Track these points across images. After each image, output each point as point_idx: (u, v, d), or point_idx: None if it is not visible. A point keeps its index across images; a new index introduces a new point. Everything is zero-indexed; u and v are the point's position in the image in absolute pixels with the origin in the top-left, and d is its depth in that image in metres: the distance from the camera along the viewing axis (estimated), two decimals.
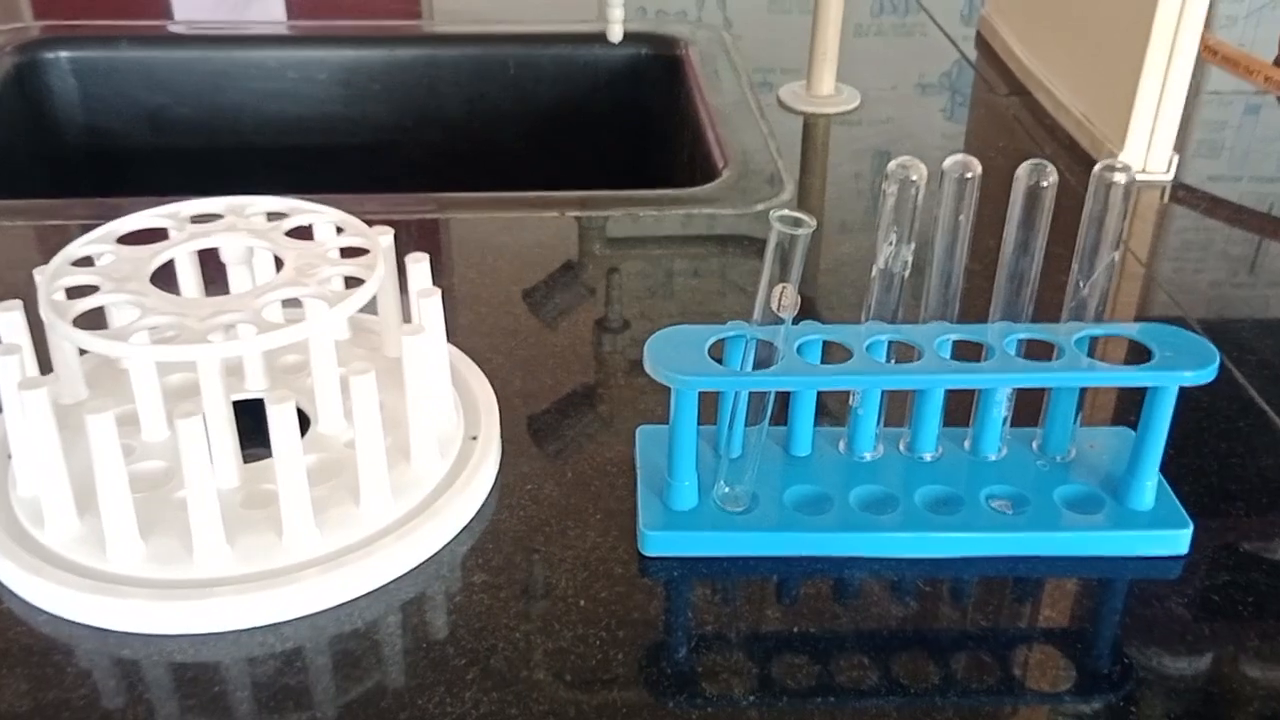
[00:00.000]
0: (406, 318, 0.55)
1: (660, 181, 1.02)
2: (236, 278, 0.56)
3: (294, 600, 0.47)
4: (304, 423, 0.56)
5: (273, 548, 0.48)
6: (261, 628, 0.47)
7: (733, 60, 1.01)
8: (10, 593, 0.48)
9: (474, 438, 0.55)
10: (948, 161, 0.49)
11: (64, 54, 1.05)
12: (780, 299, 0.47)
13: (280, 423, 0.46)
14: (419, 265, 0.54)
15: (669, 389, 0.48)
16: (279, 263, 0.51)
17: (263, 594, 0.47)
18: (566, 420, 0.59)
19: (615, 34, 0.88)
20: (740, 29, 1.08)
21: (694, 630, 0.47)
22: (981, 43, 1.06)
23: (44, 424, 0.46)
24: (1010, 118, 0.93)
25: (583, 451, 0.56)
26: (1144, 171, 0.82)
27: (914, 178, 0.48)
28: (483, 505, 0.53)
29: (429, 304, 0.52)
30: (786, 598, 0.49)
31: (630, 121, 1.09)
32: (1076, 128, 0.87)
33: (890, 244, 0.49)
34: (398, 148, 1.11)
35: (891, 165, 0.48)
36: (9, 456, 0.53)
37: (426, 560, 0.50)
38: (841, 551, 0.50)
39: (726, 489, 0.51)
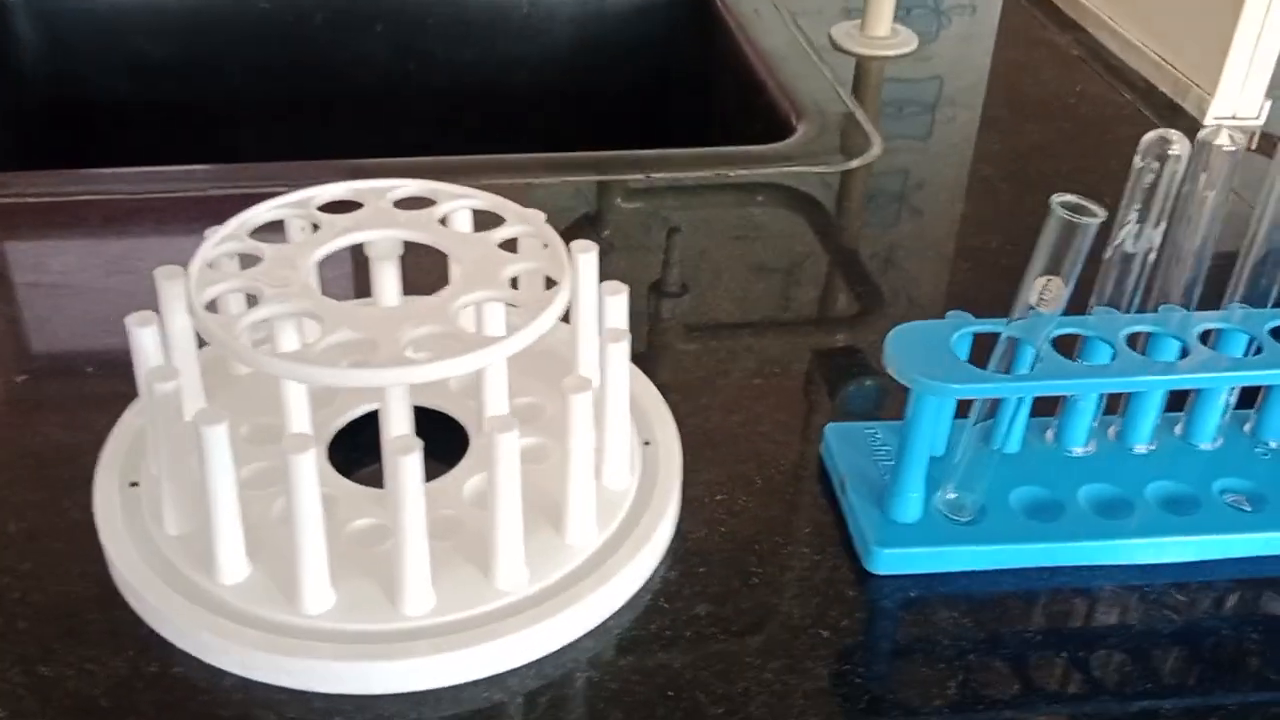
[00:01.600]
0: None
1: (700, 134, 0.96)
2: (382, 277, 0.49)
3: (515, 647, 0.42)
4: (458, 434, 0.50)
5: (479, 588, 0.43)
6: (483, 680, 0.41)
7: None
8: (183, 654, 0.42)
9: (646, 443, 0.50)
10: (1203, 133, 0.45)
11: None
12: (1043, 292, 0.42)
13: (504, 452, 0.40)
14: (588, 256, 0.48)
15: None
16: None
17: (480, 642, 0.41)
18: (731, 416, 0.54)
19: None
20: None
21: (956, 660, 0.43)
22: None
23: (224, 461, 0.40)
24: (1074, 59, 0.89)
25: (763, 453, 0.52)
26: (1234, 118, 0.79)
27: (1174, 152, 0.44)
28: (681, 522, 0.48)
29: (617, 348, 0.45)
30: (1040, 615, 0.45)
31: (654, 65, 1.03)
32: (1154, 70, 0.84)
33: (1132, 223, 0.45)
34: (399, 95, 1.03)
35: (1149, 138, 0.44)
36: (131, 485, 0.46)
37: (640, 590, 0.45)
38: (1082, 561, 0.47)
39: (952, 496, 0.47)
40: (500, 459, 0.40)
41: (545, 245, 0.46)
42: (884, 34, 0.89)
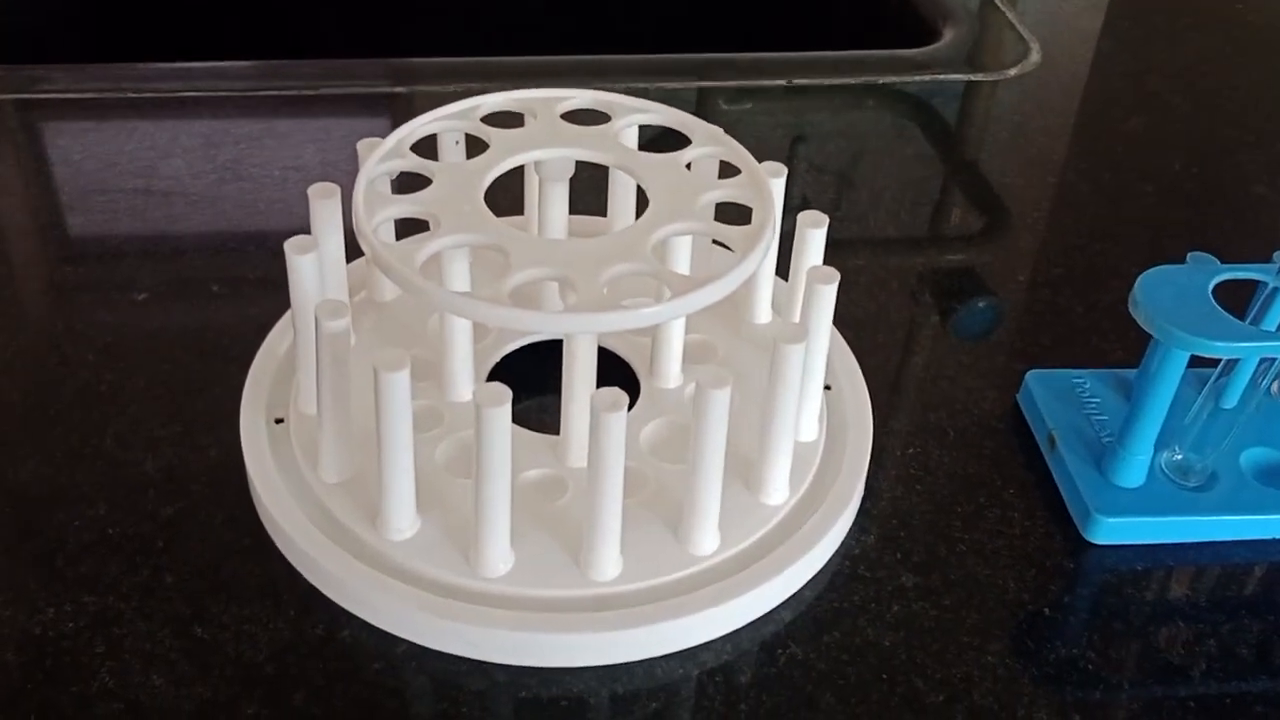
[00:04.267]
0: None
1: (806, 36, 0.90)
2: (551, 201, 0.44)
3: (710, 619, 0.38)
4: (629, 375, 0.46)
5: (669, 552, 0.39)
6: (676, 654, 0.38)
7: None
8: (349, 615, 0.38)
9: (827, 387, 0.46)
10: None
11: None
12: None
13: (716, 410, 0.36)
14: (778, 181, 0.43)
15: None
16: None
17: (674, 614, 0.37)
18: (911, 358, 0.49)
19: None
20: None
21: (1197, 646, 0.39)
22: None
23: (404, 410, 0.36)
24: None
25: (954, 401, 0.47)
26: None
27: None
28: (868, 477, 0.43)
29: (825, 290, 0.40)
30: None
31: None
32: None
33: None
34: None
35: None
36: (277, 421, 0.43)
37: (835, 554, 0.41)
38: None
39: (1179, 458, 0.43)
40: (710, 418, 0.36)
41: (734, 168, 0.41)
42: None
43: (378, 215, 0.38)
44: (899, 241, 0.56)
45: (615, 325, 0.35)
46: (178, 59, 0.64)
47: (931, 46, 0.70)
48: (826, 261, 0.43)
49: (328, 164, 0.57)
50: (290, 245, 0.39)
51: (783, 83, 0.66)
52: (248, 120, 0.60)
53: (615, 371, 0.45)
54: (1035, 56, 0.69)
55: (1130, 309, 0.39)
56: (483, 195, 0.39)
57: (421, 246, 0.37)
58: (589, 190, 0.48)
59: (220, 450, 0.43)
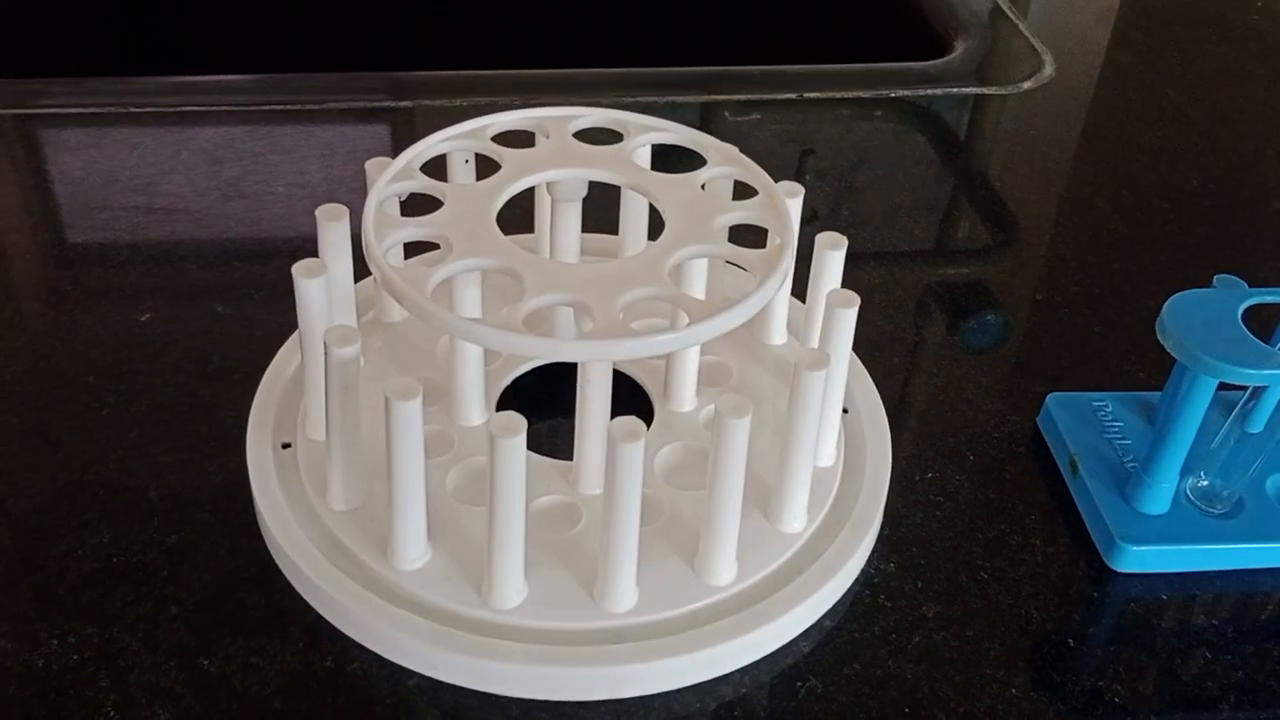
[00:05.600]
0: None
1: (819, 48, 0.89)
2: (564, 222, 0.44)
3: (728, 652, 0.37)
4: (641, 397, 0.45)
5: (685, 582, 0.38)
6: (693, 687, 0.37)
7: None
8: (359, 647, 0.37)
9: (844, 410, 0.45)
10: None
11: None
12: None
13: (735, 439, 0.35)
14: (795, 201, 0.43)
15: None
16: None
17: (690, 647, 0.36)
18: (929, 380, 0.48)
19: None
20: None
21: (1226, 678, 0.38)
22: None
23: (415, 439, 0.35)
24: None
25: (972, 424, 0.46)
26: None
27: None
28: (887, 503, 0.43)
29: (846, 314, 0.40)
30: None
31: None
32: None
33: None
34: None
35: None
36: (284, 446, 0.42)
37: (854, 583, 0.40)
38: None
39: (1204, 484, 0.42)
40: (730, 446, 0.35)
41: (748, 188, 0.40)
42: None
43: (388, 239, 0.37)
44: (911, 258, 0.55)
45: (633, 353, 0.34)
46: (181, 73, 0.63)
47: (943, 59, 0.69)
48: (842, 280, 0.42)
49: (333, 180, 0.56)
50: (298, 269, 0.38)
51: (793, 96, 0.65)
52: (251, 135, 0.59)
53: (627, 393, 0.45)
54: (1049, 69, 0.69)
55: (1158, 334, 0.38)
56: (494, 217, 0.38)
57: (433, 271, 0.36)
58: (599, 207, 0.47)
59: (226, 476, 0.42)
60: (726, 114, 0.64)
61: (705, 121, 0.64)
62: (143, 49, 0.88)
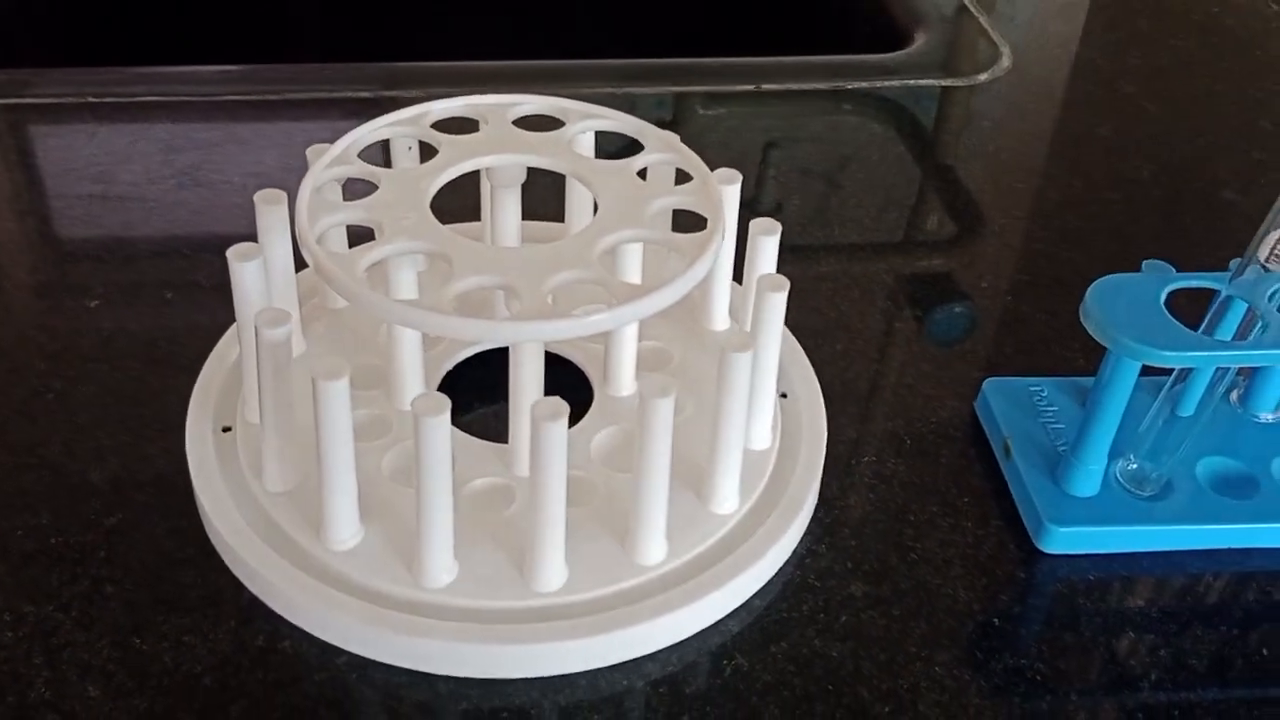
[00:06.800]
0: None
1: (783, 39, 0.89)
2: (503, 207, 0.44)
3: (656, 630, 0.38)
4: (585, 383, 0.45)
5: (615, 562, 0.38)
6: (620, 665, 0.37)
7: None
8: (291, 626, 0.37)
9: (783, 395, 0.45)
10: None
11: None
12: (1276, 249, 0.37)
13: (660, 419, 0.35)
14: (731, 188, 0.43)
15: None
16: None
17: (619, 624, 0.37)
18: (871, 365, 0.49)
19: None
20: None
21: (1148, 657, 0.39)
22: None
23: (343, 420, 0.35)
24: None
25: (912, 409, 0.47)
26: None
27: None
28: (822, 485, 0.43)
29: (776, 297, 0.40)
30: (1239, 605, 0.40)
31: None
32: None
33: None
34: None
35: None
36: (224, 430, 0.42)
37: (785, 563, 0.41)
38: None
39: (1133, 467, 0.42)
40: (655, 426, 0.35)
41: (689, 175, 0.41)
42: None
43: (320, 222, 0.37)
44: (865, 248, 0.56)
45: (557, 334, 0.35)
46: (154, 65, 0.64)
47: (903, 51, 0.70)
48: (793, 268, 0.42)
49: (289, 170, 0.56)
50: (233, 252, 0.38)
51: (751, 87, 0.65)
52: (210, 126, 0.60)
53: (571, 379, 0.45)
54: (1006, 61, 0.69)
55: (1081, 318, 0.39)
56: (429, 202, 0.39)
57: (362, 254, 0.36)
58: (552, 196, 0.47)
59: (167, 460, 0.42)
60: (698, 107, 0.65)
61: (676, 113, 0.64)
62: (115, 43, 0.88)
